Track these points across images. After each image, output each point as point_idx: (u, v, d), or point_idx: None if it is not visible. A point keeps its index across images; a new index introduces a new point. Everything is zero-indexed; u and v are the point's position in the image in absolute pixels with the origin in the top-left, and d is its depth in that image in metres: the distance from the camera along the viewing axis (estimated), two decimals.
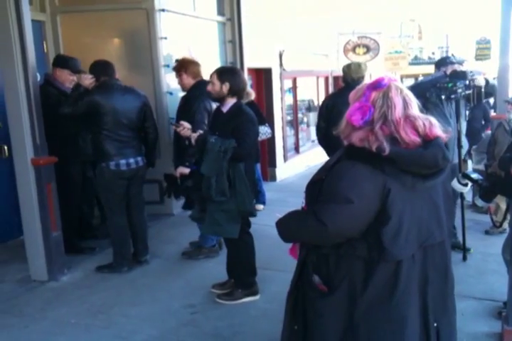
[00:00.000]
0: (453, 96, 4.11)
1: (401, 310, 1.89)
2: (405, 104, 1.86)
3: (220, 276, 4.10)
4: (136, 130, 4.34)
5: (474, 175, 3.83)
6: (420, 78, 13.75)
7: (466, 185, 4.09)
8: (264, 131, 6.00)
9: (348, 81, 4.84)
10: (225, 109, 3.69)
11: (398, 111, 1.83)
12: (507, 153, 3.29)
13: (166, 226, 5.71)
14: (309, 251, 2.03)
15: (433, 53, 24.71)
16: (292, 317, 2.11)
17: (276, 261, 3.77)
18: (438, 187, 1.95)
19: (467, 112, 4.68)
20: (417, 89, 4.48)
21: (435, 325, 1.97)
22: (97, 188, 4.39)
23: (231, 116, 3.65)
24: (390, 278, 1.87)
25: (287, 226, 2.04)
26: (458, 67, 4.32)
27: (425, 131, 1.85)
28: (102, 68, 4.25)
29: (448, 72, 4.25)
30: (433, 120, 1.90)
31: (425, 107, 2.05)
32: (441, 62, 4.95)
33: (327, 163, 1.97)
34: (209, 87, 3.68)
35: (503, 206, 5.29)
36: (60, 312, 3.68)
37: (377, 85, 1.87)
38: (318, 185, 1.93)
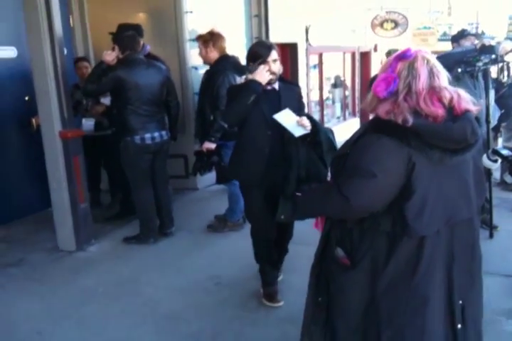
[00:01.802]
0: (469, 69, 4.05)
1: (422, 288, 1.87)
2: (431, 75, 1.81)
3: (244, 249, 4.11)
4: (159, 104, 4.35)
5: (504, 152, 3.76)
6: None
7: (495, 161, 4.03)
8: None
9: None
10: (276, 86, 3.26)
11: (422, 82, 1.78)
12: None
13: (190, 201, 5.77)
14: (333, 225, 2.03)
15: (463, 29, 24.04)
16: (316, 290, 2.12)
17: (300, 235, 3.77)
18: (468, 163, 1.90)
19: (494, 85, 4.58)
20: (445, 59, 4.39)
21: (460, 302, 1.95)
22: (122, 163, 4.42)
23: (287, 90, 3.30)
24: (413, 254, 1.85)
25: (311, 200, 2.04)
26: (487, 42, 4.21)
27: (452, 103, 1.80)
28: (128, 41, 4.22)
29: (478, 46, 4.14)
30: (462, 93, 1.84)
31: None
32: (460, 36, 4.81)
33: (352, 136, 1.94)
34: (274, 68, 3.14)
35: None
36: (88, 281, 3.77)
37: (402, 56, 1.83)
38: (343, 159, 1.91)
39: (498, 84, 5.15)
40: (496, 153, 3.82)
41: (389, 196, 1.80)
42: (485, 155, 3.95)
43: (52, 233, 4.39)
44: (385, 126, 1.79)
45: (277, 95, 3.23)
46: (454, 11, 24.80)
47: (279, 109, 3.07)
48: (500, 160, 4.05)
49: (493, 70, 4.52)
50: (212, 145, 4.39)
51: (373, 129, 1.83)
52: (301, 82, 8.52)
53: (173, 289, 3.61)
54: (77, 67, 5.23)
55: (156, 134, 4.31)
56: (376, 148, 1.78)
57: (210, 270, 3.88)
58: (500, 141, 6.35)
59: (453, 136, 1.76)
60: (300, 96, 3.41)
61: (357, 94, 11.88)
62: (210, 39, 4.45)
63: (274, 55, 3.13)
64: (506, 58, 4.59)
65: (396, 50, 5.82)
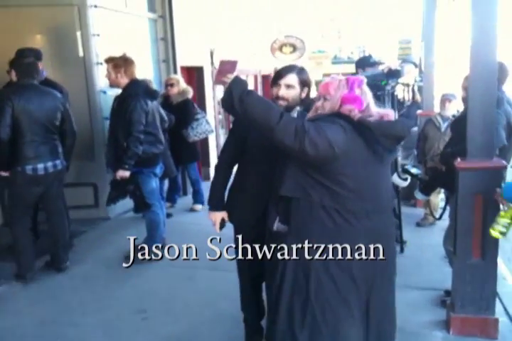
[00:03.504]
0: (379, 93, 4.31)
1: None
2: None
3: (167, 280, 4.01)
4: (53, 131, 4.12)
5: (414, 170, 4.00)
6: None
7: (405, 179, 4.27)
8: (205, 129, 5.96)
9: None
10: (295, 115, 2.79)
11: (372, 106, 2.38)
12: (447, 148, 3.44)
13: (103, 231, 5.52)
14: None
15: (352, 53, 25.52)
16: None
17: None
18: (389, 164, 2.51)
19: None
20: None
21: None
22: (9, 193, 4.16)
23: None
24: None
25: (261, 105, 2.33)
26: (394, 66, 4.50)
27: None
28: (27, 68, 4.05)
29: (385, 70, 4.41)
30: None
31: None
32: (366, 63, 5.09)
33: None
34: (283, 92, 2.68)
35: (434, 199, 5.56)
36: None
37: (360, 84, 2.37)
38: None
39: (399, 104, 5.50)
40: (406, 171, 4.05)
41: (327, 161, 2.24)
42: (395, 174, 4.18)
43: None
44: (347, 117, 2.28)
45: None
46: (343, 34, 26.25)
47: None
48: (409, 179, 4.30)
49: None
50: (127, 173, 4.24)
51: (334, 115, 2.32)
52: (208, 104, 8.54)
53: (96, 327, 3.40)
54: None
55: (50, 164, 4.08)
56: (339, 127, 2.24)
57: (134, 304, 3.71)
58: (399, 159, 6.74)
59: (395, 130, 2.31)
60: None
61: None
62: (122, 65, 4.31)
63: (290, 79, 2.68)
64: (405, 80, 4.94)
65: (320, 80, 6.10)
